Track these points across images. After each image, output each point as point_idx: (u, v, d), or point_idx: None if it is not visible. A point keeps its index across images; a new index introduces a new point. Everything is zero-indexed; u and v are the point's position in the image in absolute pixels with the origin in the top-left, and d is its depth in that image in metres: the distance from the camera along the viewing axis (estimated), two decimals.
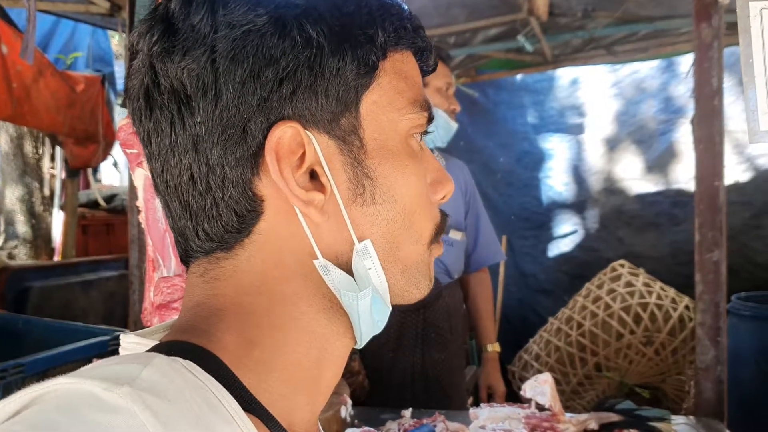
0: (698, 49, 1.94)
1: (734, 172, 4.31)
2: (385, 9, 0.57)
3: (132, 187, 2.17)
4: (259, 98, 0.52)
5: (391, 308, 0.60)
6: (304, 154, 0.53)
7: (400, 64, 0.59)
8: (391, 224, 0.57)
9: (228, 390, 0.49)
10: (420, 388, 2.15)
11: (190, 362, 0.49)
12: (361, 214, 0.55)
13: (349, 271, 0.56)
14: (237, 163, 0.53)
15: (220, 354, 0.52)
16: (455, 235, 2.26)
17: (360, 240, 0.55)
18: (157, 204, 0.91)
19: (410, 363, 2.15)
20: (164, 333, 0.58)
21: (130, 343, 0.57)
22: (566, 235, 4.87)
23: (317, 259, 0.55)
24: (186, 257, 0.58)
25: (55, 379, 0.45)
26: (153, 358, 0.47)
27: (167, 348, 0.52)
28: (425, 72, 0.64)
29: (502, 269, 5.00)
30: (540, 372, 4.15)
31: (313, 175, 0.54)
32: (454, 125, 2.26)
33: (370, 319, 0.58)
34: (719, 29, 1.94)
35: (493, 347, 2.39)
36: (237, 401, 0.48)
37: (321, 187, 0.54)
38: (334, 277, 0.55)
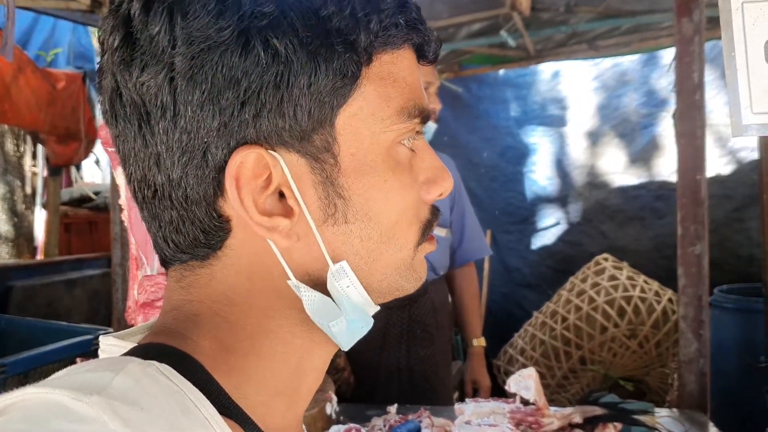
0: (679, 44, 1.95)
1: (716, 166, 4.35)
2: (373, 4, 0.51)
3: (114, 186, 2.15)
4: (219, 123, 0.49)
5: (372, 320, 0.58)
6: (270, 175, 0.51)
7: (389, 66, 0.54)
8: (365, 241, 0.54)
9: (205, 394, 0.48)
10: (406, 384, 2.15)
11: (167, 366, 0.48)
12: (333, 234, 0.53)
13: (325, 291, 0.54)
14: (198, 185, 0.51)
15: (199, 357, 0.51)
16: (440, 231, 2.26)
17: (335, 260, 0.53)
18: None
19: (396, 359, 2.16)
20: (144, 334, 0.58)
21: (109, 345, 0.56)
22: (549, 227, 4.90)
23: (290, 279, 0.53)
24: (163, 262, 0.58)
25: (24, 388, 0.44)
26: (127, 364, 0.46)
27: (144, 351, 0.51)
28: (429, 62, 0.59)
29: (486, 264, 5.02)
30: (525, 366, 4.17)
31: (282, 194, 0.52)
32: (433, 126, 2.26)
33: (349, 336, 0.56)
34: (700, 24, 1.95)
35: (479, 342, 2.40)
36: (214, 405, 0.48)
37: (289, 209, 0.52)
38: (307, 299, 0.53)
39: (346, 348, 0.58)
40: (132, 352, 0.52)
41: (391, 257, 0.56)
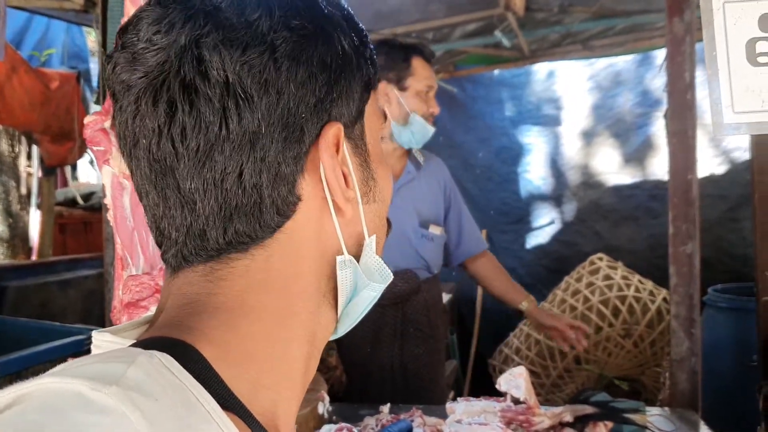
0: (671, 44, 1.95)
1: (710, 166, 4.36)
2: (365, 33, 0.62)
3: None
4: (317, 99, 0.55)
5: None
6: (338, 154, 0.57)
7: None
8: (381, 220, 0.64)
9: (206, 386, 0.48)
10: (399, 383, 2.15)
11: (170, 357, 0.48)
12: (367, 211, 0.61)
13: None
14: (292, 161, 0.54)
15: (202, 347, 0.51)
16: (435, 230, 2.27)
17: (369, 234, 0.61)
18: (125, 202, 0.91)
19: (389, 357, 2.16)
20: (136, 329, 0.58)
21: (104, 341, 0.56)
22: (544, 227, 4.90)
23: (340, 255, 0.59)
24: (191, 257, 0.56)
25: (39, 377, 0.43)
26: (137, 356, 0.46)
27: (148, 344, 0.51)
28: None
29: None
30: (521, 366, 4.18)
31: None
32: (431, 129, 2.26)
33: (367, 310, 0.64)
34: (691, 23, 1.95)
35: (528, 303, 2.37)
36: (216, 398, 0.48)
37: (348, 186, 0.59)
38: (349, 272, 0.59)
39: (339, 335, 0.64)
40: (139, 346, 0.51)
41: (382, 243, 0.65)
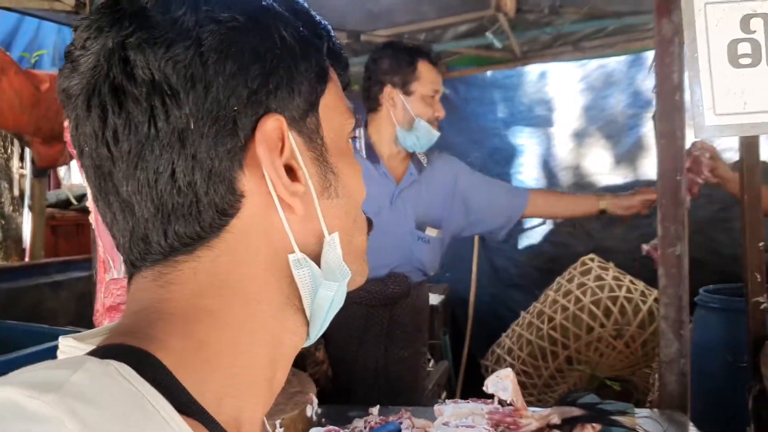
0: (659, 45, 1.96)
1: None
2: (323, 26, 0.62)
3: None
4: (249, 91, 0.53)
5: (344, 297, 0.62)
6: (282, 147, 0.56)
7: (335, 76, 0.64)
8: (348, 217, 0.61)
9: (165, 393, 0.47)
10: (383, 384, 2.15)
11: (125, 365, 0.47)
12: (328, 207, 0.59)
13: (318, 265, 0.58)
14: (226, 156, 0.53)
15: (161, 356, 0.50)
16: (431, 232, 2.26)
17: (329, 231, 0.59)
18: None
19: (374, 358, 2.16)
20: (104, 336, 0.57)
21: (68, 346, 0.55)
22: (536, 227, 4.91)
23: (293, 253, 0.56)
24: (138, 261, 0.56)
25: None
26: (85, 362, 0.46)
27: (103, 352, 0.50)
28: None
29: (474, 264, 5.04)
30: (512, 366, 4.19)
31: (287, 170, 0.57)
32: (436, 134, 2.25)
33: (333, 311, 0.61)
34: (680, 25, 1.95)
35: (603, 202, 2.38)
36: (174, 404, 0.47)
37: (297, 181, 0.57)
38: (306, 271, 0.57)
39: (312, 340, 0.62)
40: (92, 353, 0.50)
41: (358, 239, 0.63)
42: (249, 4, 0.55)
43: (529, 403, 1.88)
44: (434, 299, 4.43)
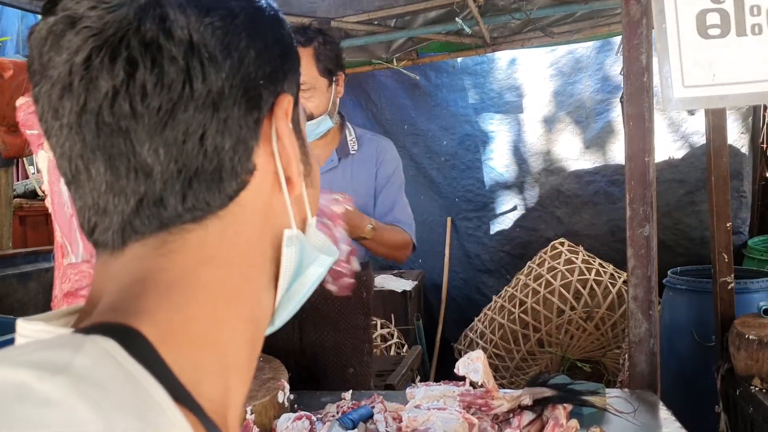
0: (627, 27, 1.96)
1: (669, 150, 4.43)
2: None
3: None
4: (272, 68, 0.56)
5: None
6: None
7: None
8: (316, 204, 0.64)
9: (157, 377, 0.45)
10: (302, 367, 2.10)
11: (113, 343, 0.45)
12: (308, 194, 0.62)
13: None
14: (253, 126, 0.54)
15: (145, 330, 0.48)
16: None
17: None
18: (62, 188, 0.87)
19: (289, 341, 2.13)
20: (63, 318, 0.54)
21: (34, 330, 0.52)
22: (507, 213, 4.94)
23: (289, 229, 0.58)
24: (143, 227, 0.53)
25: None
26: (83, 342, 0.43)
27: (88, 331, 0.47)
28: None
29: (447, 250, 5.06)
30: (485, 350, 4.22)
31: None
32: (322, 125, 2.16)
33: (310, 292, 0.63)
34: (648, 6, 1.96)
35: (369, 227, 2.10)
36: (168, 389, 0.45)
37: None
38: (294, 249, 0.59)
39: (277, 326, 0.63)
40: (81, 332, 0.47)
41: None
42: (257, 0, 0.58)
43: (502, 386, 1.88)
44: (407, 285, 4.44)
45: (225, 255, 0.54)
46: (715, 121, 2.46)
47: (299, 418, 1.49)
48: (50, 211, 0.94)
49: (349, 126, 2.31)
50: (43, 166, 0.92)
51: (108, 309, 0.51)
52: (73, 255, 0.89)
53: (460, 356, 4.45)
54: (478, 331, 4.35)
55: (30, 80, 0.54)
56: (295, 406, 1.74)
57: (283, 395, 1.64)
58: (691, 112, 4.05)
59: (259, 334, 0.58)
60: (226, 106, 0.52)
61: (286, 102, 0.57)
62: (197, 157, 0.52)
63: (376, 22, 3.94)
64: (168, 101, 0.51)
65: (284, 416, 1.52)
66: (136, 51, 0.50)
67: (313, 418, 1.53)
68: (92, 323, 0.49)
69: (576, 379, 1.77)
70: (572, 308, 3.92)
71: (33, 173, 5.80)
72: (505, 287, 4.34)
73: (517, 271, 4.40)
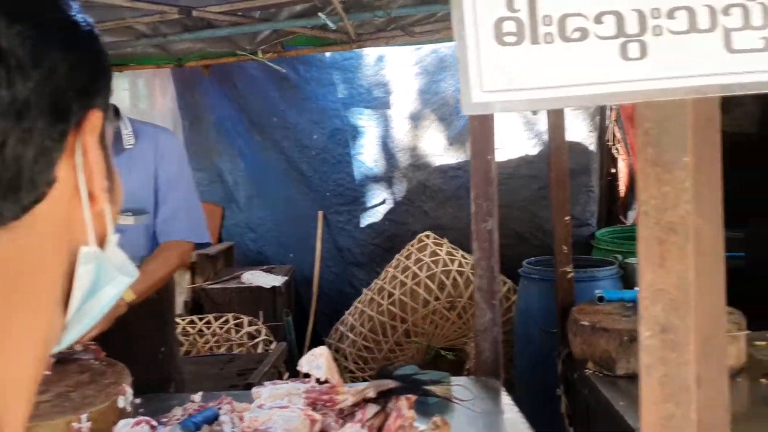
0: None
1: (525, 147, 4.67)
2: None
3: None
4: (85, 83, 0.54)
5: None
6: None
7: None
8: (115, 222, 0.62)
9: None
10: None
11: None
12: (108, 210, 0.59)
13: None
14: (57, 137, 0.52)
15: None
16: (125, 220, 2.07)
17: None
18: None
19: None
20: None
21: None
22: (376, 206, 5.03)
23: (87, 246, 0.56)
24: None
25: None
26: None
27: None
28: None
29: (318, 245, 5.08)
30: (355, 342, 4.29)
31: None
32: None
33: (102, 310, 0.60)
34: None
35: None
36: None
37: None
38: (91, 267, 0.56)
39: (64, 345, 0.61)
40: None
41: None
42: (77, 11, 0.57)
43: (370, 378, 1.93)
44: (276, 281, 4.43)
45: (13, 268, 0.52)
46: (554, 120, 2.63)
47: (138, 423, 1.46)
48: None
49: (126, 118, 2.17)
50: None
51: None
52: None
53: (331, 350, 4.47)
54: (349, 324, 4.41)
55: None
56: (140, 410, 1.70)
57: (125, 400, 1.60)
58: (534, 112, 4.29)
59: (45, 351, 0.56)
60: (31, 116, 0.51)
61: (95, 117, 0.56)
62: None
63: (240, 13, 3.88)
64: None
65: (122, 422, 1.48)
66: None
67: (154, 422, 1.51)
68: None
69: (441, 367, 1.85)
70: (437, 298, 4.06)
71: None
72: (375, 280, 4.43)
73: (386, 263, 4.49)
